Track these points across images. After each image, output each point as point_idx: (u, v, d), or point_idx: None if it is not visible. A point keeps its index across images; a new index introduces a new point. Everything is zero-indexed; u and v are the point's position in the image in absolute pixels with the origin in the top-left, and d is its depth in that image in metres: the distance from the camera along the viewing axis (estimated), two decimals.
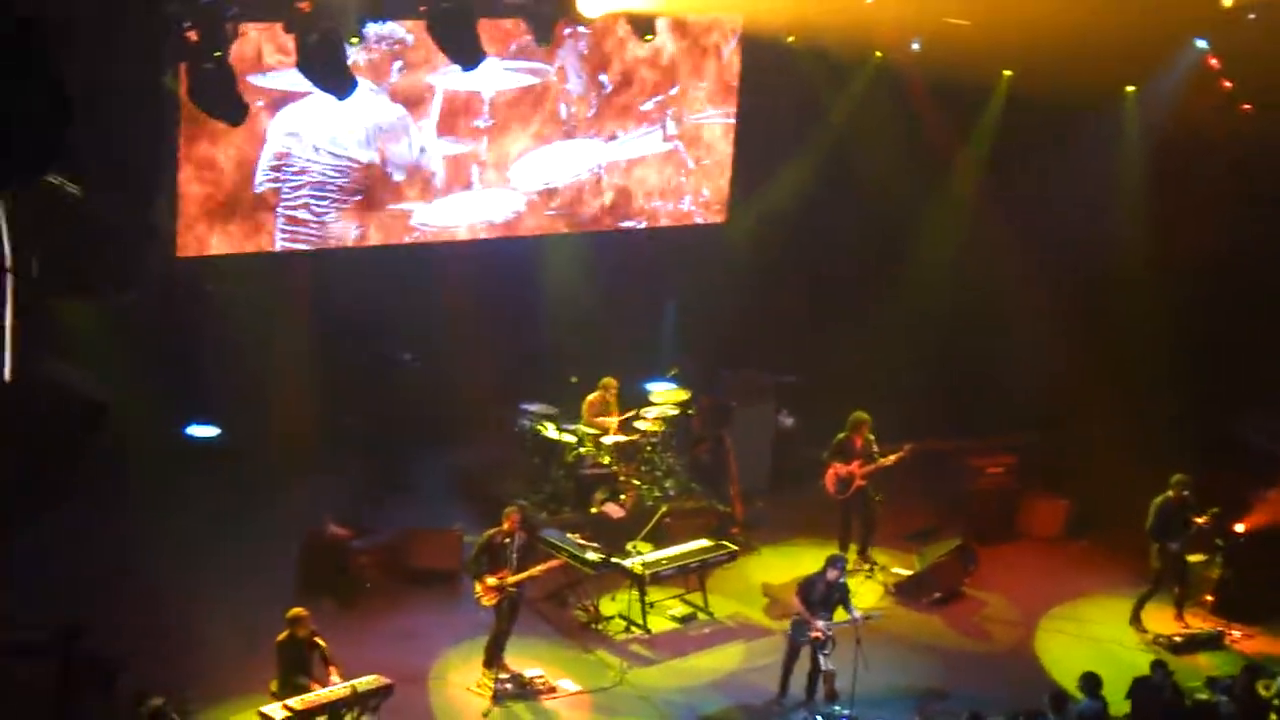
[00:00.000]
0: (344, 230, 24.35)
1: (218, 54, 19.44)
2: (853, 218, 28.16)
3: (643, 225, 27.41)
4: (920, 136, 28.10)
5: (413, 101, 24.58)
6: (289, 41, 20.62)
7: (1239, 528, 23.63)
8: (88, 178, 16.37)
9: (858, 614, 20.24)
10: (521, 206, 26.09)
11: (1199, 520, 22.68)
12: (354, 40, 20.19)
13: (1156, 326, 27.10)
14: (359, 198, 24.42)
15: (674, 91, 27.14)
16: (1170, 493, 22.72)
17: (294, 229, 23.94)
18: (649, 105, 26.95)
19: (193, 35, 19.21)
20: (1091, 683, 18.65)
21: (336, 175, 24.22)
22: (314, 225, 24.10)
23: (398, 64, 24.17)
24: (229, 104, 20.12)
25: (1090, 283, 28.04)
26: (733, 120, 27.80)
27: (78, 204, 16.25)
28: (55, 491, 19.81)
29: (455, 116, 25.02)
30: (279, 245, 23.85)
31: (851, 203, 28.11)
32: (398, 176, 24.73)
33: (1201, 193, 26.72)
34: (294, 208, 23.89)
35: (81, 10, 18.85)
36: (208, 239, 23.17)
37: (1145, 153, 27.65)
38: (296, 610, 18.60)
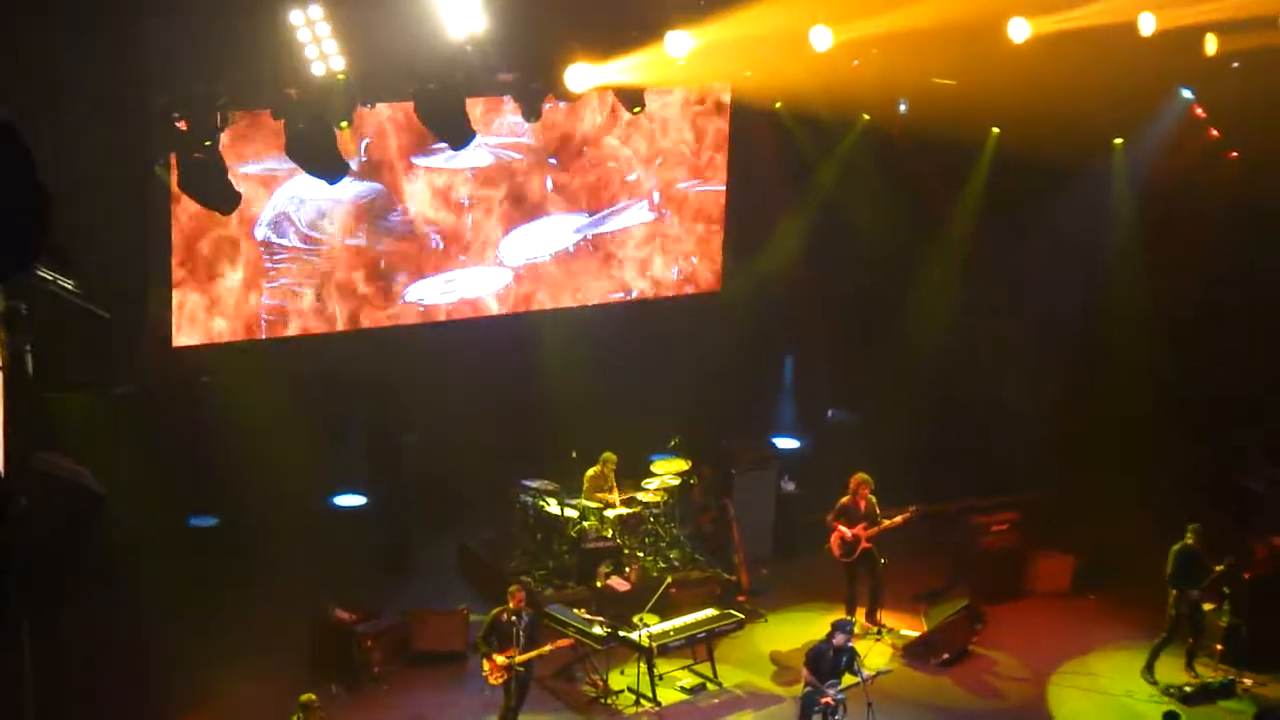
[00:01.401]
0: (329, 314, 24.40)
1: (208, 143, 19.54)
2: (846, 279, 28.18)
3: (633, 296, 27.40)
4: (910, 196, 28.10)
5: (392, 182, 24.67)
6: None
7: (1244, 575, 23.56)
8: (80, 271, 16.40)
9: (866, 674, 20.17)
10: (509, 281, 26.14)
11: (1217, 568, 22.66)
12: (343, 125, 20.26)
13: (1155, 377, 27.13)
14: (338, 278, 24.53)
15: (659, 162, 27.19)
16: (1188, 539, 22.66)
17: (276, 317, 23.98)
18: (633, 177, 26.98)
19: (182, 125, 19.31)
20: None
21: (315, 260, 24.27)
22: (296, 312, 24.16)
23: (369, 143, 24.32)
24: (220, 192, 20.19)
25: (1087, 335, 28.03)
26: (722, 188, 27.83)
27: (71, 298, 16.27)
28: (54, 584, 19.79)
29: (437, 195, 25.08)
30: (264, 334, 23.91)
31: (844, 265, 28.15)
32: (380, 258, 24.78)
33: (1194, 241, 26.80)
34: (276, 295, 23.95)
35: (70, 102, 19.02)
36: (201, 329, 23.20)
37: (1136, 203, 27.70)
38: (307, 696, 18.56)
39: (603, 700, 22.07)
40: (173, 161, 20.26)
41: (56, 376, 19.25)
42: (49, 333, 17.11)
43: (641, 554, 24.93)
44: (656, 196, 27.33)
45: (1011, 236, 27.53)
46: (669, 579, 23.92)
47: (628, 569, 24.31)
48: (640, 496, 25.03)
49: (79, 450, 20.54)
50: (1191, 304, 27.12)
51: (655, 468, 25.53)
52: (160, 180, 21.10)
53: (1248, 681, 22.80)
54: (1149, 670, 22.89)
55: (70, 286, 16.13)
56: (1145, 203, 27.56)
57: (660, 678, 22.27)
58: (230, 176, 20.13)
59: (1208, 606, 23.48)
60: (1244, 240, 26.70)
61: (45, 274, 15.66)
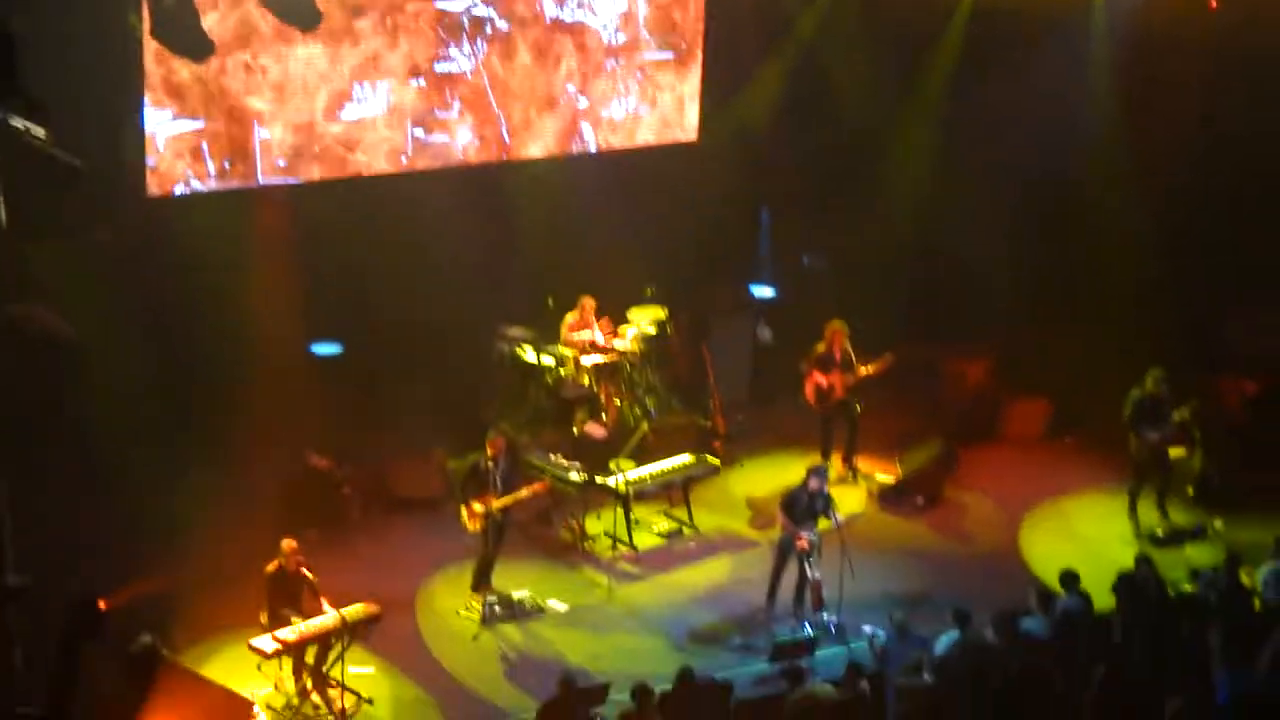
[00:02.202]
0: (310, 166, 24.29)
1: None
2: (825, 130, 28.03)
3: (608, 147, 27.21)
4: (890, 47, 27.90)
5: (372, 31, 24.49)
6: None
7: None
8: (52, 120, 16.35)
9: (840, 519, 20.39)
10: (494, 128, 25.95)
11: (1177, 414, 22.79)
12: None
13: (1135, 225, 27.08)
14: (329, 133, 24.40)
15: (641, 10, 26.92)
16: (1147, 385, 22.81)
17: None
18: (607, 28, 26.72)
19: None
20: (1070, 579, 18.81)
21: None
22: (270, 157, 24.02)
23: None
24: (193, 40, 20.13)
25: (1067, 184, 27.87)
26: (701, 39, 27.57)
27: (43, 147, 16.24)
28: (33, 431, 19.86)
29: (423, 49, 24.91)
30: (260, 180, 23.77)
31: (824, 115, 28.00)
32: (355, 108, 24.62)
33: (1175, 91, 26.58)
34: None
35: None
36: (176, 177, 23.07)
37: (1115, 55, 27.48)
38: (287, 541, 18.70)
39: (579, 545, 22.30)
40: (145, 8, 20.16)
41: (33, 226, 19.31)
42: (22, 182, 17.11)
43: (618, 400, 25.04)
44: (633, 50, 27.07)
45: (991, 87, 27.29)
46: (645, 425, 24.09)
47: (604, 415, 24.45)
48: (617, 344, 25.08)
49: (54, 299, 20.67)
50: (1174, 154, 26.95)
51: (632, 315, 25.56)
52: (132, 28, 20.95)
53: (1218, 525, 23.03)
54: (1133, 513, 23.12)
55: (42, 135, 16.10)
56: (1125, 54, 27.29)
57: (636, 522, 22.51)
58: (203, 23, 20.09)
59: (1179, 451, 23.70)
60: (1226, 91, 26.54)
61: (16, 123, 15.62)
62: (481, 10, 25.24)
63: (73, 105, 18.36)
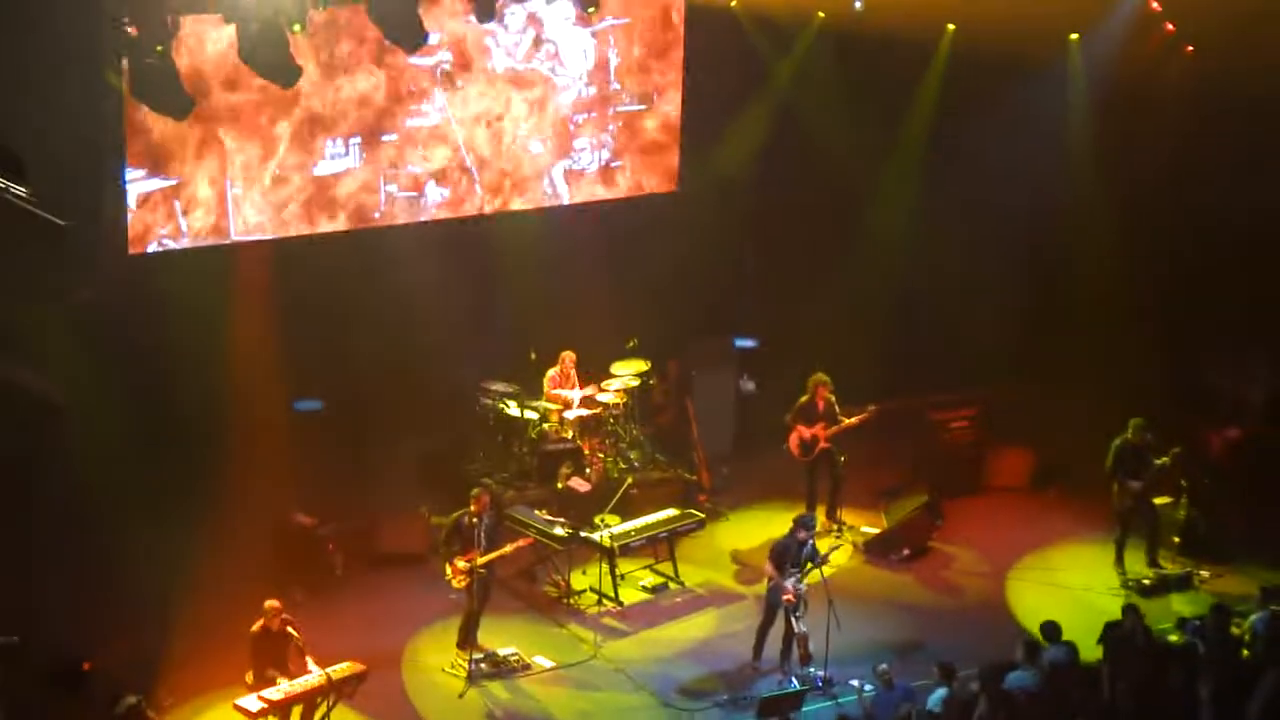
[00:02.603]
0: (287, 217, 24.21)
1: (159, 48, 19.42)
2: (805, 180, 28.01)
3: (585, 199, 27.12)
4: (868, 95, 27.92)
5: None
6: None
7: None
8: (33, 179, 16.32)
9: (819, 555, 20.35)
10: (475, 184, 25.87)
11: (1159, 461, 22.78)
12: (296, 28, 20.16)
13: (1115, 272, 27.12)
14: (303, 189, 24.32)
15: (613, 61, 26.89)
16: (1129, 434, 22.83)
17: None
18: (580, 79, 26.69)
19: (133, 30, 19.17)
20: (1051, 630, 18.77)
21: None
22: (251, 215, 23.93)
23: (345, 46, 23.99)
24: (173, 98, 20.07)
25: (1047, 232, 27.94)
26: (678, 89, 27.54)
27: (24, 205, 16.20)
28: (16, 492, 19.76)
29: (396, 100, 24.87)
30: (233, 237, 23.67)
31: (803, 165, 27.97)
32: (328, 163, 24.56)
33: (1152, 136, 26.66)
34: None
35: (16, 9, 18.84)
36: (150, 235, 22.95)
37: (1092, 99, 27.55)
38: (270, 602, 18.60)
39: (565, 601, 22.24)
40: (125, 67, 20.11)
41: (13, 286, 19.23)
42: (4, 241, 17.04)
43: (602, 455, 24.98)
44: (613, 98, 27.05)
45: (970, 135, 27.39)
46: (630, 479, 24.04)
47: (588, 470, 24.37)
48: (600, 397, 25.03)
49: (37, 360, 20.57)
50: (1154, 199, 26.98)
51: (615, 369, 25.52)
52: (113, 85, 20.90)
53: (1205, 574, 23.00)
54: (1120, 563, 23.11)
55: (23, 194, 16.05)
56: (1103, 99, 27.40)
57: (622, 577, 22.45)
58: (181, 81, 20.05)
59: (1164, 500, 23.68)
60: (1203, 134, 26.57)
61: None
62: (451, 65, 25.16)
63: (52, 163, 18.31)
